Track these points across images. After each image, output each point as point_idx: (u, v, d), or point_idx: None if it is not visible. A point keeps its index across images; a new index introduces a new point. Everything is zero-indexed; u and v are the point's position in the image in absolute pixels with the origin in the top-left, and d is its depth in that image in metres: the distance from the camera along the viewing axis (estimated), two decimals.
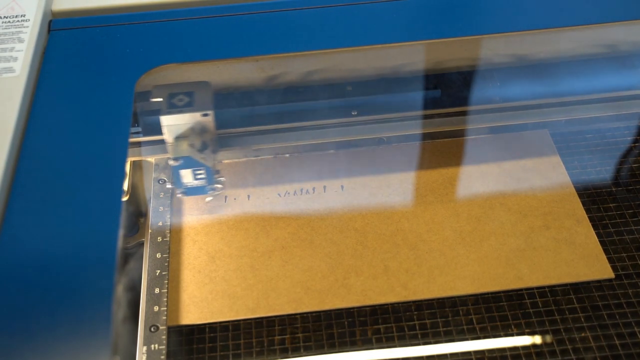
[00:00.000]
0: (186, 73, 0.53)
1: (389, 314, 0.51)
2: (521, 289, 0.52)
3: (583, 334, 0.49)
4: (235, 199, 0.58)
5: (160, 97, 0.52)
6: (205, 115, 0.51)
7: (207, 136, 0.53)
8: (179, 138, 0.53)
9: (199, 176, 0.54)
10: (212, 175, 0.55)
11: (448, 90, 0.57)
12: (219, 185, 0.56)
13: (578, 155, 0.61)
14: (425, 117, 0.57)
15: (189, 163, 0.53)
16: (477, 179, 0.59)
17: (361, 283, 0.52)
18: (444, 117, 0.57)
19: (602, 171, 0.60)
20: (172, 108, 0.51)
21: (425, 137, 0.61)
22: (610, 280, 0.52)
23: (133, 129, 0.54)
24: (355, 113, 0.56)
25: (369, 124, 0.57)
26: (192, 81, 0.53)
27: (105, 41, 0.49)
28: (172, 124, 0.51)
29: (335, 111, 0.56)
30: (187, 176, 0.54)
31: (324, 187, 0.59)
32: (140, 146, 0.55)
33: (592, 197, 0.58)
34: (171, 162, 0.53)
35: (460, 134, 0.61)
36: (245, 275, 0.53)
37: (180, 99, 0.51)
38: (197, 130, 0.52)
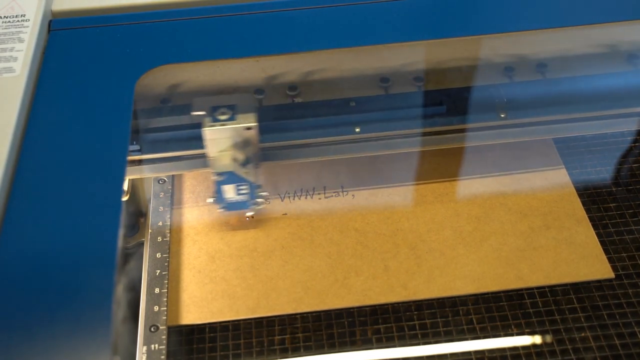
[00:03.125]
0: (186, 73, 0.53)
1: (389, 314, 0.51)
2: (521, 289, 0.52)
3: (583, 334, 0.49)
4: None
5: (201, 111, 0.51)
6: (249, 128, 0.51)
7: (250, 150, 0.52)
8: (221, 152, 0.52)
9: (242, 191, 0.54)
10: (255, 190, 0.54)
11: (452, 105, 0.56)
12: (261, 200, 0.55)
13: (578, 155, 0.61)
14: (430, 133, 0.56)
15: (231, 178, 0.53)
16: (477, 178, 0.59)
17: (361, 283, 0.52)
18: (448, 134, 0.56)
19: (602, 171, 0.60)
20: (215, 122, 0.51)
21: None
22: (610, 280, 0.52)
23: (131, 147, 0.53)
24: (359, 130, 0.55)
25: (372, 141, 0.56)
26: (233, 94, 0.53)
27: (105, 41, 0.49)
28: (214, 137, 0.51)
29: (339, 128, 0.55)
30: (229, 191, 0.53)
31: (324, 187, 0.59)
32: (141, 164, 0.55)
33: (592, 197, 0.58)
34: (214, 178, 0.53)
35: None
36: (245, 275, 0.53)
37: (223, 112, 0.51)
38: (240, 144, 0.52)
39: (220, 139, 0.51)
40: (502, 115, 0.55)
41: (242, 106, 0.51)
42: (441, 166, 0.60)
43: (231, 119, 0.51)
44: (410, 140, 0.56)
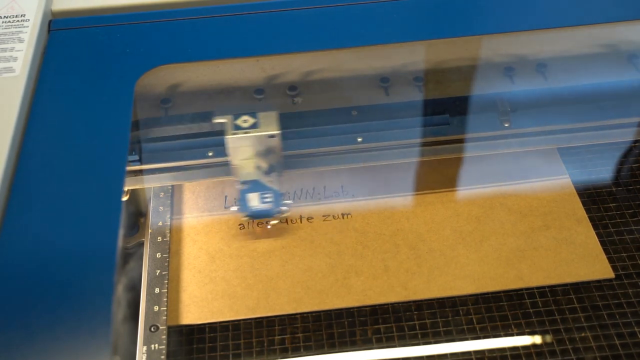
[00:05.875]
0: (186, 73, 0.53)
1: (389, 314, 0.51)
2: (521, 289, 0.52)
3: (583, 334, 0.49)
4: (235, 198, 0.58)
5: (224, 119, 0.51)
6: (272, 136, 0.51)
7: (273, 158, 0.52)
8: (244, 160, 0.52)
9: (267, 200, 0.53)
10: (280, 198, 0.54)
11: (455, 114, 0.56)
12: (285, 208, 0.54)
13: (578, 155, 0.61)
14: (433, 143, 0.56)
15: (256, 186, 0.53)
16: (477, 179, 0.59)
17: (361, 283, 0.52)
18: (451, 144, 0.56)
19: (602, 171, 0.60)
20: (238, 129, 0.51)
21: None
22: (610, 280, 0.52)
23: (130, 157, 0.53)
24: (361, 139, 0.54)
25: (377, 151, 0.56)
26: (254, 103, 0.53)
27: (105, 41, 0.49)
28: (237, 145, 0.51)
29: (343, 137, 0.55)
30: (254, 200, 0.53)
31: (324, 187, 0.59)
32: (142, 174, 0.54)
33: (592, 197, 0.58)
34: (238, 186, 0.52)
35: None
36: (245, 275, 0.53)
37: (245, 120, 0.51)
38: (264, 152, 0.52)
39: (243, 146, 0.51)
40: (506, 125, 0.55)
41: (264, 113, 0.51)
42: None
43: (254, 126, 0.51)
44: (411, 150, 0.56)
